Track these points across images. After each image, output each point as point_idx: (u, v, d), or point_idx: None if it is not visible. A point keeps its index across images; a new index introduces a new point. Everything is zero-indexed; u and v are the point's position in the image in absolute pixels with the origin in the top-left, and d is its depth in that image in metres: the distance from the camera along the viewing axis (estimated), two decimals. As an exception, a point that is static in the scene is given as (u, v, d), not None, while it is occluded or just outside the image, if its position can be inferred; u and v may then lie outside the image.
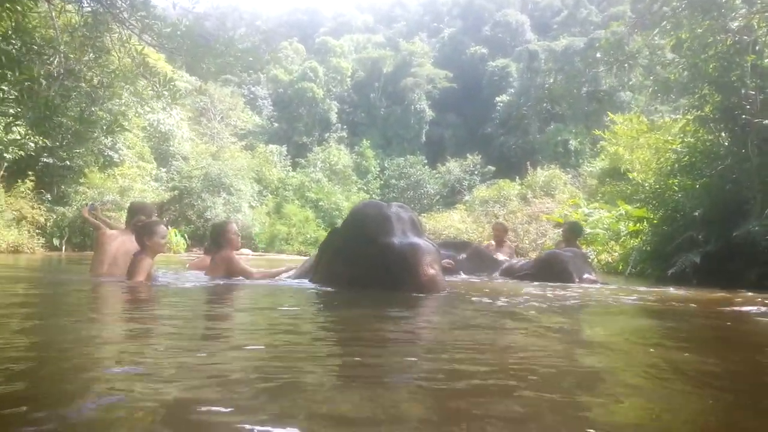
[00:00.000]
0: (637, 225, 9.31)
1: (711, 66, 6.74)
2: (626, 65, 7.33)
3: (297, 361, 1.57)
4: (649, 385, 1.46)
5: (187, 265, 6.47)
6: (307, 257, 8.10)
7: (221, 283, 4.25)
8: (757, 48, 6.47)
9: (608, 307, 3.56)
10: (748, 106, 6.40)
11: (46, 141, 14.14)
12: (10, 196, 13.82)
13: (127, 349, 1.73)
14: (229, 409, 1.08)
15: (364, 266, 3.72)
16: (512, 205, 19.65)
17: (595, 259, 9.77)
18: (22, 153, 14.08)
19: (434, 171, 39.73)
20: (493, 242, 7.66)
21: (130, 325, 2.28)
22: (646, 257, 8.10)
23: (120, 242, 4.47)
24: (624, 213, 10.47)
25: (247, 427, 0.99)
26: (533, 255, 11.55)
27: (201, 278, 4.56)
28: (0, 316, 2.31)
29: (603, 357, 1.87)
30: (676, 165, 7.81)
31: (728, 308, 3.64)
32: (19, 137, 8.42)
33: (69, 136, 12.07)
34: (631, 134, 14.27)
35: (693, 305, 3.76)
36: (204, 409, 1.08)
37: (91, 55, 5.67)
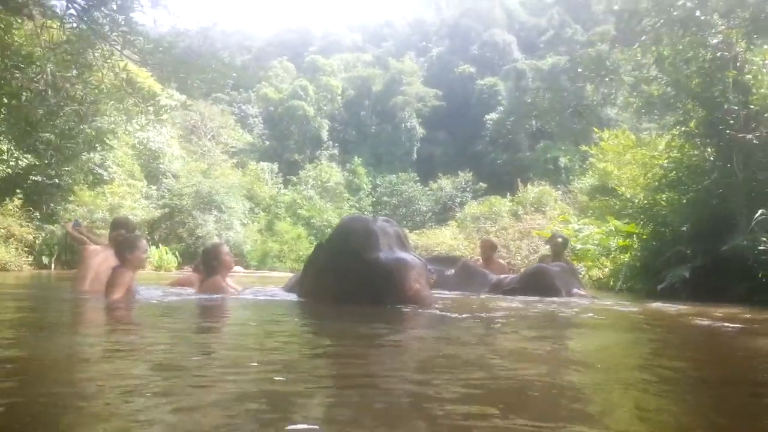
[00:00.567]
0: (627, 240, 9.32)
1: (694, 82, 6.82)
2: (607, 79, 7.41)
3: (276, 374, 1.51)
4: (630, 402, 1.42)
5: (169, 282, 6.31)
6: (295, 273, 7.98)
7: (204, 296, 4.17)
8: (738, 63, 6.55)
9: (589, 322, 3.52)
10: (731, 122, 6.46)
11: (35, 160, 14.06)
12: (-2, 214, 13.68)
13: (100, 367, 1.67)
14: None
15: (350, 281, 3.67)
16: (503, 222, 19.70)
17: (586, 275, 9.74)
18: (9, 171, 13.96)
19: (426, 188, 39.82)
20: (480, 259, 7.20)
21: (105, 342, 2.20)
22: (636, 272, 8.08)
23: (103, 258, 4.42)
24: (613, 228, 10.49)
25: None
26: (524, 271, 11.50)
27: (182, 293, 4.49)
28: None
29: (582, 372, 1.83)
30: (663, 180, 7.80)
31: (706, 322, 3.62)
32: (1, 152, 8.33)
33: (53, 152, 11.97)
34: (618, 150, 14.38)
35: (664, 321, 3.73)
36: (187, 418, 1.03)
37: (75, 71, 5.64)
